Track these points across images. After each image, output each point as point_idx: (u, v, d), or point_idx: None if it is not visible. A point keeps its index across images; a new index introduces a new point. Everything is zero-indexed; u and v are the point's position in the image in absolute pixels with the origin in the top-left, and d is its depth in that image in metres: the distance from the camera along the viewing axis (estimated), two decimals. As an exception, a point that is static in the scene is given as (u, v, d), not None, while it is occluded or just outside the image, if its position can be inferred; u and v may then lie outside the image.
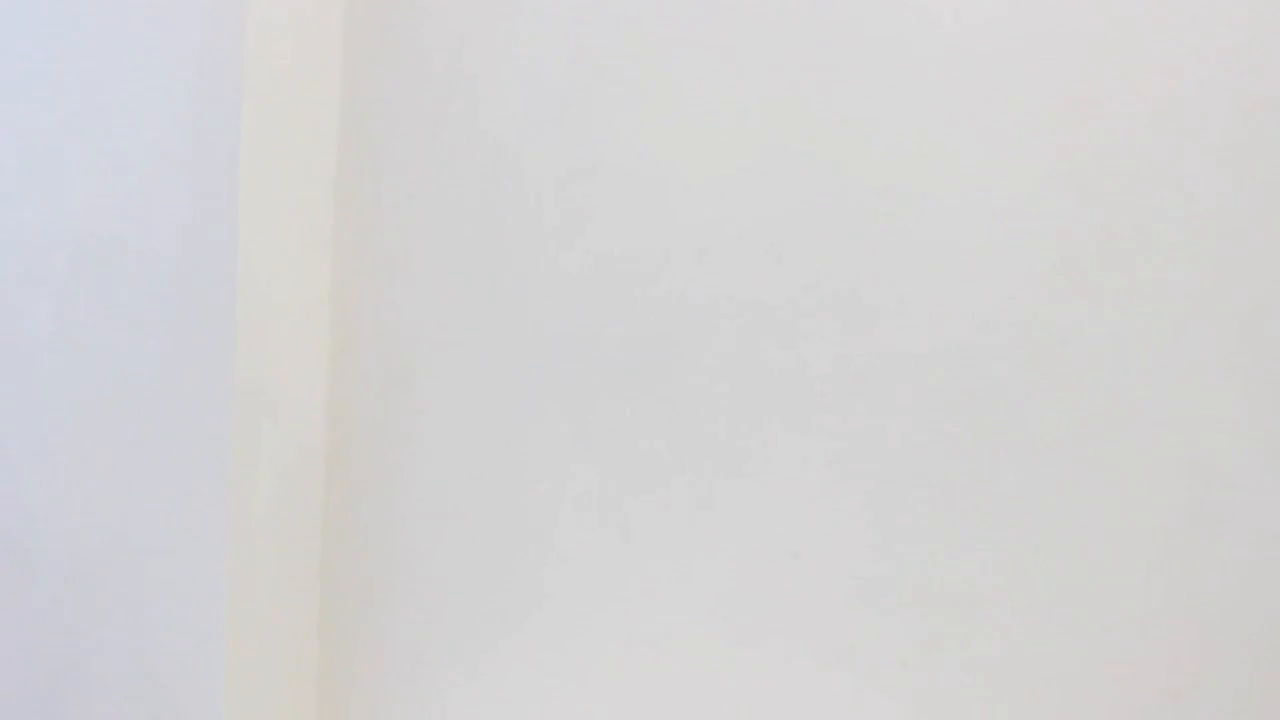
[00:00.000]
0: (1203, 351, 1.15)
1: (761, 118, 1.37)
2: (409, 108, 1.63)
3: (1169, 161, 1.16)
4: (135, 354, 1.73)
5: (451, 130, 1.59)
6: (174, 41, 1.69)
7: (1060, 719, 1.20)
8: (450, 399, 1.60)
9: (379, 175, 1.65)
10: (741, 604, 1.38)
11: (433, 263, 1.61)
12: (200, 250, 1.66)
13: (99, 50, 1.77)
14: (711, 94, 1.40)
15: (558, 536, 1.51)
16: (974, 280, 1.25)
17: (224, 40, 1.63)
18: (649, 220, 1.44)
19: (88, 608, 1.79)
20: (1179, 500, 1.15)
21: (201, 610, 1.65)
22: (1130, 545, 1.17)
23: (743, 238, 1.38)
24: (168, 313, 1.70)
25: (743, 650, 1.38)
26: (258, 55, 1.63)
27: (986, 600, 1.24)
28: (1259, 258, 1.13)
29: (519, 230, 1.54)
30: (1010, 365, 1.23)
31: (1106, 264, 1.19)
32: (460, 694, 1.59)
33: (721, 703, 1.39)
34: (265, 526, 1.66)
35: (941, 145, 1.27)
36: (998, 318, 1.24)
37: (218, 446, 1.65)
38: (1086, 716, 1.18)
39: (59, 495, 1.84)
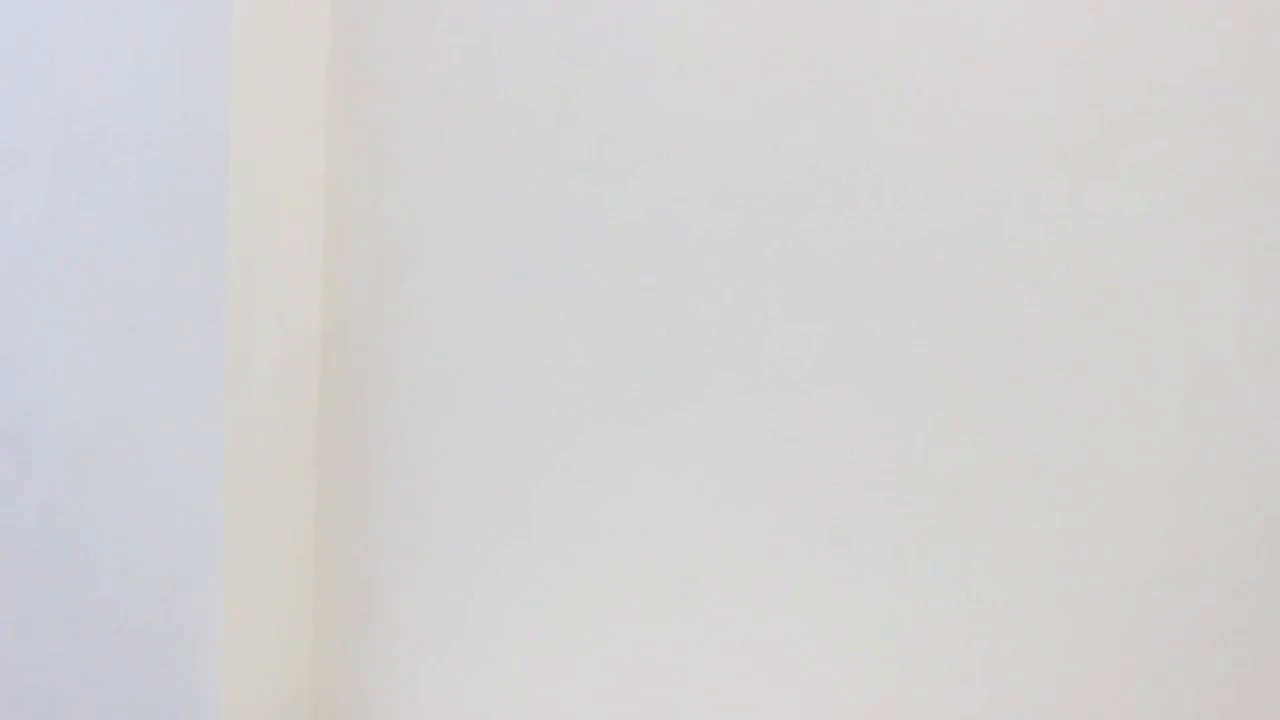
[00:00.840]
0: (1203, 234, 1.15)
1: (757, 2, 1.38)
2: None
3: (1171, 43, 1.16)
4: (128, 237, 1.74)
5: (446, 13, 1.59)
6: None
7: (1054, 602, 1.18)
8: (445, 282, 1.60)
9: (373, 58, 1.64)
10: (737, 487, 1.37)
11: (427, 147, 1.61)
12: (193, 133, 1.66)
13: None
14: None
15: (552, 420, 1.51)
16: (973, 164, 1.25)
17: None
18: (644, 107, 1.44)
19: (85, 492, 1.79)
20: (1177, 383, 1.14)
21: (199, 493, 1.66)
22: (1127, 428, 1.17)
23: (739, 124, 1.38)
24: (161, 196, 1.70)
25: (737, 533, 1.37)
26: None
27: (983, 484, 1.23)
28: (1261, 140, 1.13)
29: (513, 116, 1.54)
30: (1009, 249, 1.23)
31: (1107, 146, 1.19)
32: (457, 569, 1.58)
33: (715, 584, 1.38)
34: (261, 409, 1.67)
35: (940, 28, 1.27)
36: (997, 201, 1.24)
37: (212, 330, 1.66)
38: (1080, 600, 1.17)
39: (53, 381, 1.84)
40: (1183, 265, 1.16)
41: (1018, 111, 1.24)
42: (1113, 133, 1.19)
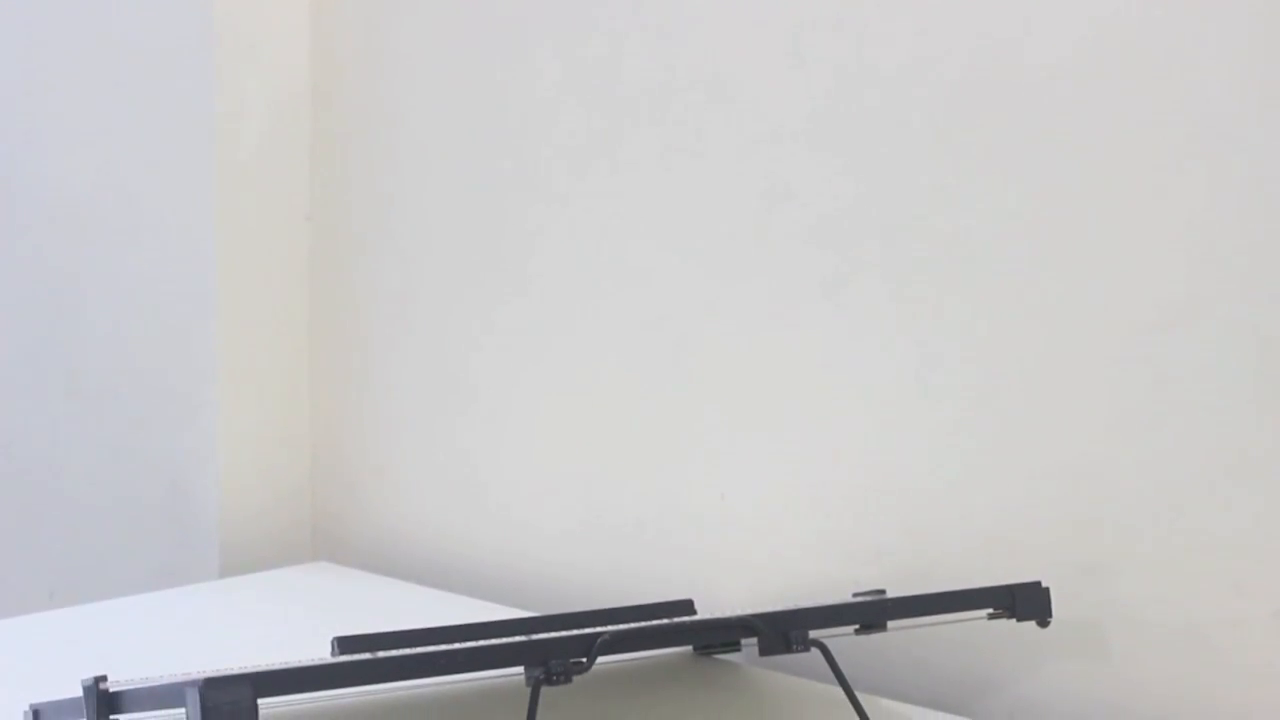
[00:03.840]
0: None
1: None
2: None
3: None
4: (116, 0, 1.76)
5: None
6: None
7: (1051, 353, 1.18)
8: (435, 39, 1.59)
9: None
10: (730, 240, 1.37)
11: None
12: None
13: None
14: None
15: (544, 178, 1.51)
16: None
17: None
18: None
19: (79, 252, 1.83)
20: (1177, 138, 1.12)
21: (192, 255, 1.68)
22: (1127, 178, 1.15)
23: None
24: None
25: (731, 285, 1.37)
26: None
27: (982, 236, 1.22)
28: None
29: None
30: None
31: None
32: (452, 334, 1.60)
33: (709, 337, 1.39)
34: (252, 170, 1.68)
35: None
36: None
37: (201, 90, 1.66)
38: (1079, 344, 1.17)
39: (42, 141, 1.87)
40: (1174, 18, 1.13)
41: None
42: None
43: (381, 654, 0.94)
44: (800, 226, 1.32)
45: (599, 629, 0.93)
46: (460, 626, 1.11)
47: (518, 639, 0.93)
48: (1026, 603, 1.09)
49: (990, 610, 1.09)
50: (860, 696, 1.00)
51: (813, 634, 0.98)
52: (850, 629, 1.06)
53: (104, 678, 0.98)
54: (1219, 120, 1.11)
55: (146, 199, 1.74)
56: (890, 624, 1.07)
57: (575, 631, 0.95)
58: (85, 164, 1.82)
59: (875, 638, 1.08)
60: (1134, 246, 1.15)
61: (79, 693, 1.00)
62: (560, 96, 1.50)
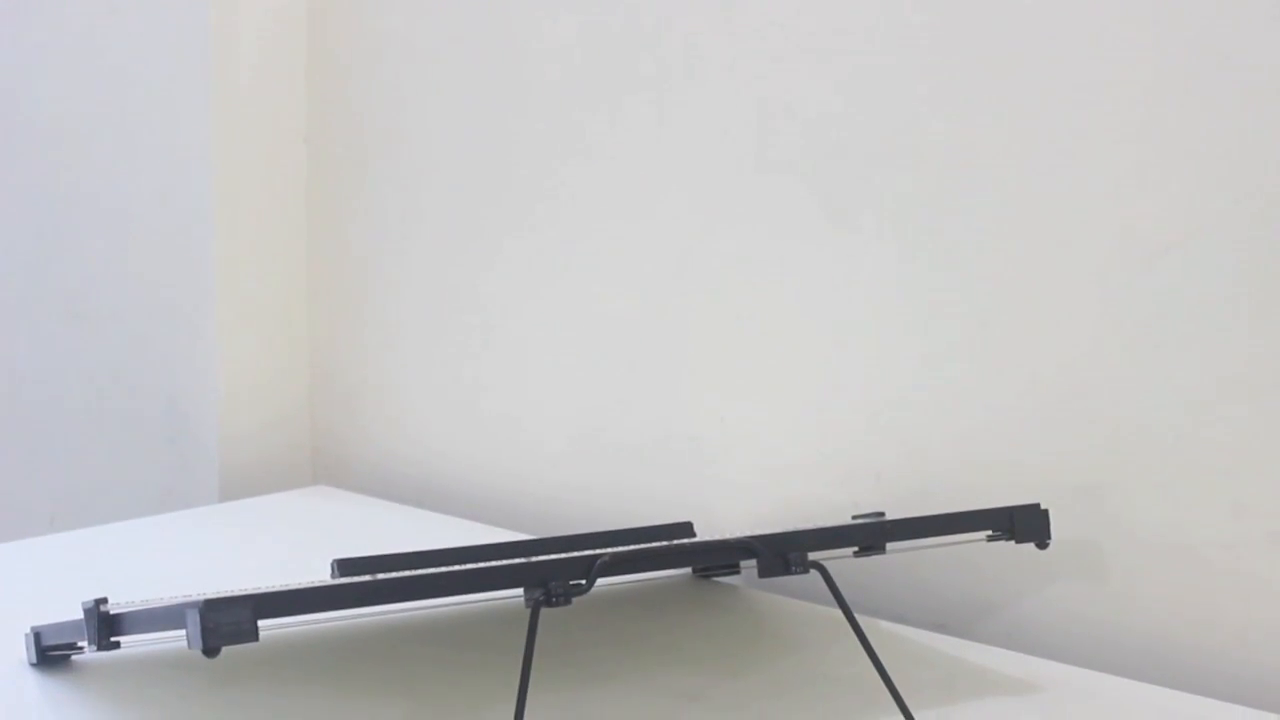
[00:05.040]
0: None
1: None
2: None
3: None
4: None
5: None
6: None
7: (1052, 274, 1.18)
8: None
9: None
10: (731, 162, 1.36)
11: None
12: None
13: None
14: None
15: (546, 102, 1.50)
16: None
17: None
18: None
19: (76, 175, 1.83)
20: (1179, 47, 1.12)
21: (189, 175, 1.67)
22: (1126, 93, 1.14)
23: None
24: None
25: (733, 210, 1.36)
26: None
27: (983, 159, 1.21)
28: None
29: None
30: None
31: None
32: (454, 243, 1.59)
33: (711, 261, 1.38)
34: (248, 92, 1.67)
35: None
36: None
37: (196, 11, 1.65)
38: (1078, 266, 1.17)
39: (38, 64, 1.86)
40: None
41: None
42: None
43: (381, 576, 0.94)
44: (801, 152, 1.32)
45: (598, 551, 0.93)
46: (459, 549, 1.12)
47: (517, 561, 0.93)
48: (1025, 525, 1.09)
49: (989, 532, 1.09)
50: (859, 619, 1.00)
51: (812, 556, 0.98)
52: (849, 551, 1.06)
53: (105, 600, 0.99)
54: (1219, 41, 1.10)
55: (143, 121, 1.73)
56: (889, 546, 1.07)
57: (575, 554, 0.95)
58: (82, 87, 1.81)
59: (874, 560, 1.08)
60: (1133, 168, 1.15)
61: (80, 615, 1.00)
62: (561, 18, 1.48)
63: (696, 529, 1.28)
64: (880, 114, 1.27)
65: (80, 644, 1.06)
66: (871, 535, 1.06)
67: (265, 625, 0.82)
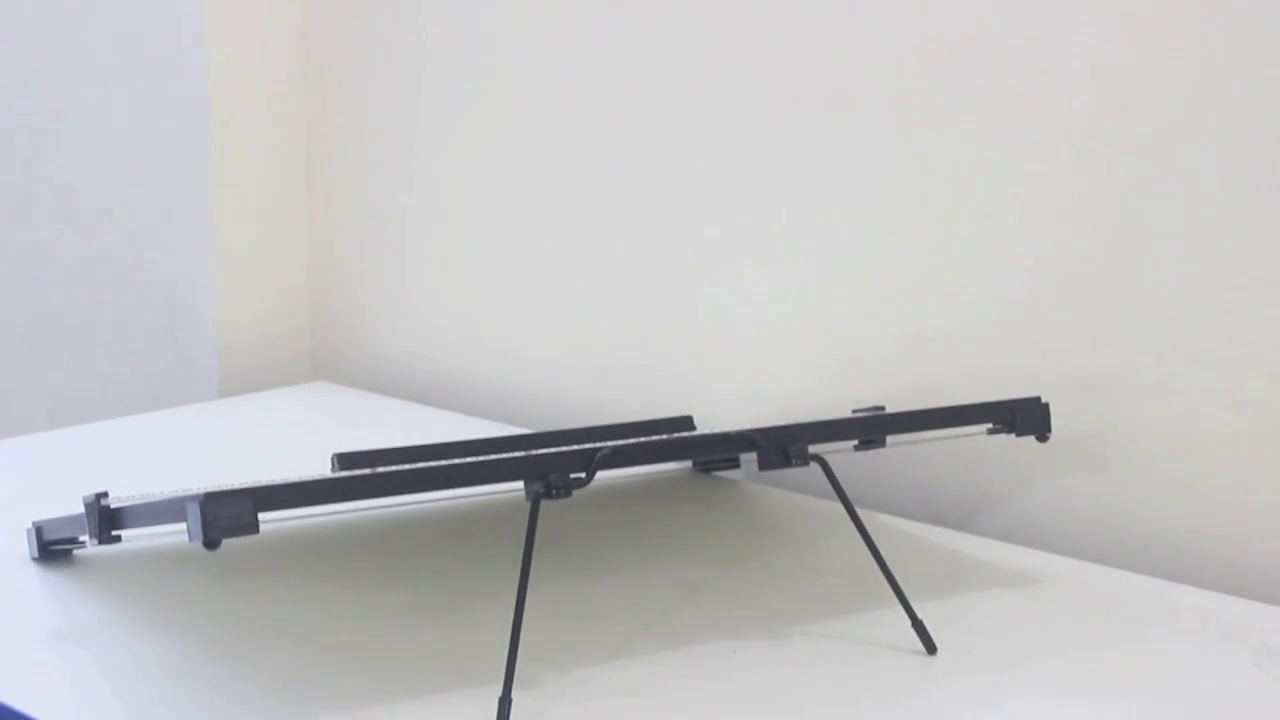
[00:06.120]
0: None
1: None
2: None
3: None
4: None
5: None
6: None
7: (1053, 157, 1.18)
8: None
9: None
10: (735, 52, 1.35)
11: None
12: None
13: None
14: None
15: None
16: None
17: None
18: None
19: (66, 70, 1.81)
20: None
21: (186, 68, 1.65)
22: None
23: None
24: None
25: (737, 100, 1.35)
26: None
27: (986, 51, 1.21)
28: None
29: None
30: None
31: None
32: (449, 153, 1.59)
33: (714, 153, 1.37)
34: None
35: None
36: None
37: None
38: (1078, 158, 1.17)
39: None
40: None
41: None
42: None
43: (380, 470, 0.94)
44: (805, 40, 1.30)
45: (599, 444, 0.93)
46: (460, 443, 1.12)
47: (517, 454, 0.93)
48: (1026, 418, 1.09)
49: (990, 425, 1.09)
50: (859, 512, 1.00)
51: (812, 449, 0.98)
52: (850, 444, 1.06)
53: (105, 494, 0.99)
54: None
55: (137, 13, 1.71)
56: (889, 440, 1.07)
57: (575, 447, 0.95)
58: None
59: (874, 455, 1.08)
60: (1134, 62, 1.14)
61: (81, 510, 1.00)
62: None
63: (697, 423, 1.28)
64: (883, 2, 1.25)
65: (81, 538, 1.06)
66: (872, 428, 1.05)
67: (265, 519, 0.82)
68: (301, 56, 1.69)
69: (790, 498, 1.29)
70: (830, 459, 0.99)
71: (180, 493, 0.89)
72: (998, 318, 1.23)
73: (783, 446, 0.97)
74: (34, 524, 1.11)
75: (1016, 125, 1.20)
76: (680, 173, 1.40)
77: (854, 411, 1.19)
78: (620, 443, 0.95)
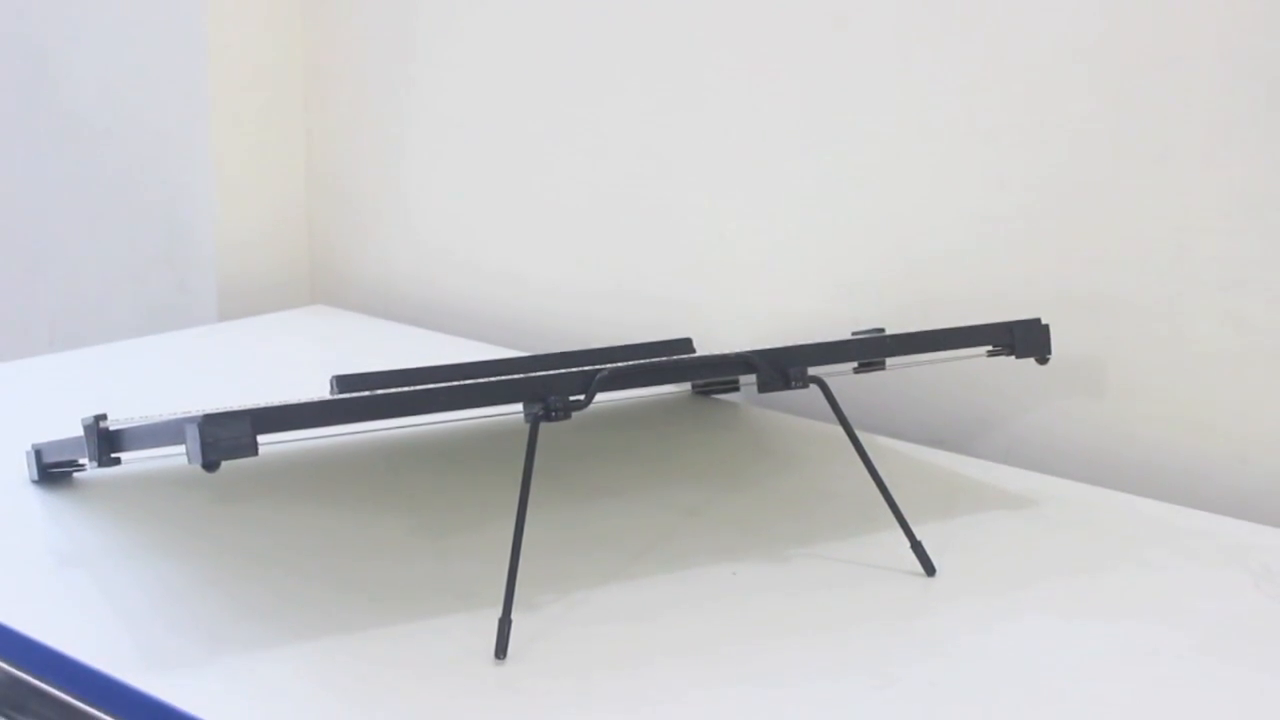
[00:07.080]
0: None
1: None
2: None
3: None
4: None
5: None
6: None
7: (1054, 79, 1.18)
8: None
9: None
10: (739, 26, 1.36)
11: None
12: None
13: None
14: None
15: None
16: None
17: None
18: None
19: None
20: None
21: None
22: None
23: None
24: None
25: (736, 21, 1.34)
26: None
27: None
28: None
29: None
30: None
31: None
32: (451, 72, 1.58)
33: (716, 70, 1.36)
34: None
35: None
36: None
37: None
38: (1080, 80, 1.16)
39: None
40: None
41: None
42: None
43: (380, 391, 0.94)
44: (802, -41, 1.29)
45: (598, 366, 0.93)
46: (459, 365, 1.11)
47: (516, 376, 0.93)
48: (1026, 340, 1.08)
49: (990, 347, 1.08)
50: (859, 434, 1.00)
51: (812, 371, 0.97)
52: (849, 367, 1.06)
53: (104, 416, 0.99)
54: None
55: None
56: (889, 362, 1.07)
57: (574, 369, 0.95)
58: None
59: (874, 376, 1.08)
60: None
61: (80, 432, 1.00)
62: None
63: (696, 346, 1.28)
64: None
65: (81, 461, 1.06)
66: (872, 350, 1.05)
67: (265, 441, 0.82)
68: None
69: (790, 420, 1.29)
70: (830, 381, 0.98)
71: (179, 415, 0.89)
72: (999, 240, 1.22)
73: (782, 368, 0.97)
74: (33, 446, 1.11)
75: (1019, 45, 1.19)
76: (680, 94, 1.39)
77: (854, 333, 1.18)
78: (619, 365, 0.95)
